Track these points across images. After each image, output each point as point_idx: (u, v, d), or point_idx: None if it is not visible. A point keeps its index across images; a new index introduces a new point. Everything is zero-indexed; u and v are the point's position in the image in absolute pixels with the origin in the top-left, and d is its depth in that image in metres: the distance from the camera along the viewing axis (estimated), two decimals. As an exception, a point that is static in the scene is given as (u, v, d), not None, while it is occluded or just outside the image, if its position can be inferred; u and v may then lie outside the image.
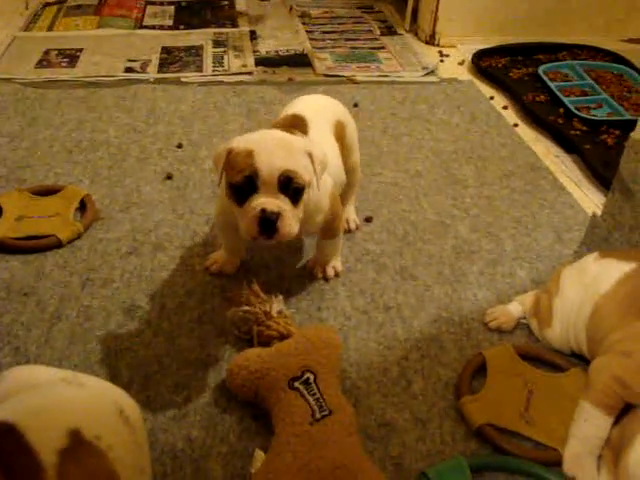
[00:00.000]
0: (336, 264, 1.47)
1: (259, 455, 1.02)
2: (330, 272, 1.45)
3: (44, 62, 2.47)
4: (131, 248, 1.52)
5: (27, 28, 2.79)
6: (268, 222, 1.14)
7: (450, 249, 1.57)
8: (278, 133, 1.22)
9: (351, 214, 1.62)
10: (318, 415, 1.05)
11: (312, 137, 1.33)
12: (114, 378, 1.20)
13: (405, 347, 1.30)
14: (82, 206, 1.64)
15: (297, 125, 1.35)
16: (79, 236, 1.54)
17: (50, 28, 2.80)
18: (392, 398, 1.19)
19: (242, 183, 1.15)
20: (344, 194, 1.52)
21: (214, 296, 1.39)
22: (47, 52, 2.55)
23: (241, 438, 1.11)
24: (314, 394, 1.08)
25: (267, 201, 1.14)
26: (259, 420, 1.14)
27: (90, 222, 1.58)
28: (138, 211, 1.65)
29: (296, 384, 1.10)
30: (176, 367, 1.24)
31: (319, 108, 1.47)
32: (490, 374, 1.22)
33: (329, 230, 1.38)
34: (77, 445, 0.83)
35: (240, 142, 1.18)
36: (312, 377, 1.11)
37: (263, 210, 1.14)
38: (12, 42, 2.63)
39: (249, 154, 1.15)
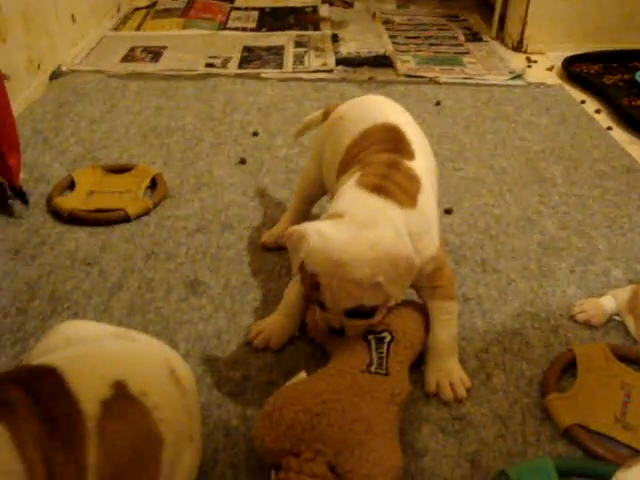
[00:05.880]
0: (461, 374, 1.08)
1: (301, 374, 0.99)
2: (462, 391, 1.07)
3: (129, 57, 2.50)
4: (199, 226, 1.47)
5: (117, 29, 2.86)
6: (335, 330, 1.03)
7: (536, 244, 1.44)
8: (358, 230, 0.97)
9: None
10: (372, 369, 0.98)
11: (418, 165, 1.09)
12: (171, 350, 1.14)
13: (485, 340, 1.18)
14: (153, 185, 1.61)
15: (399, 147, 1.10)
16: (148, 212, 1.51)
17: (138, 29, 2.86)
18: (469, 391, 1.08)
19: (310, 295, 1.02)
20: None
21: (280, 277, 1.32)
22: (132, 49, 2.58)
23: (300, 419, 1.02)
24: (381, 353, 1.00)
25: (333, 319, 1.01)
26: (321, 402, 1.05)
27: (160, 199, 1.55)
28: (209, 192, 1.60)
29: (369, 337, 1.03)
30: (236, 344, 1.16)
31: (400, 111, 1.22)
32: (581, 372, 1.09)
33: (436, 288, 1.07)
34: (121, 398, 0.77)
35: (309, 251, 0.96)
36: (389, 338, 1.03)
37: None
38: (101, 40, 2.68)
39: (315, 281, 0.96)
